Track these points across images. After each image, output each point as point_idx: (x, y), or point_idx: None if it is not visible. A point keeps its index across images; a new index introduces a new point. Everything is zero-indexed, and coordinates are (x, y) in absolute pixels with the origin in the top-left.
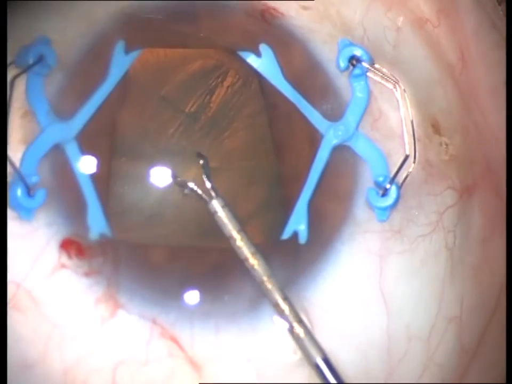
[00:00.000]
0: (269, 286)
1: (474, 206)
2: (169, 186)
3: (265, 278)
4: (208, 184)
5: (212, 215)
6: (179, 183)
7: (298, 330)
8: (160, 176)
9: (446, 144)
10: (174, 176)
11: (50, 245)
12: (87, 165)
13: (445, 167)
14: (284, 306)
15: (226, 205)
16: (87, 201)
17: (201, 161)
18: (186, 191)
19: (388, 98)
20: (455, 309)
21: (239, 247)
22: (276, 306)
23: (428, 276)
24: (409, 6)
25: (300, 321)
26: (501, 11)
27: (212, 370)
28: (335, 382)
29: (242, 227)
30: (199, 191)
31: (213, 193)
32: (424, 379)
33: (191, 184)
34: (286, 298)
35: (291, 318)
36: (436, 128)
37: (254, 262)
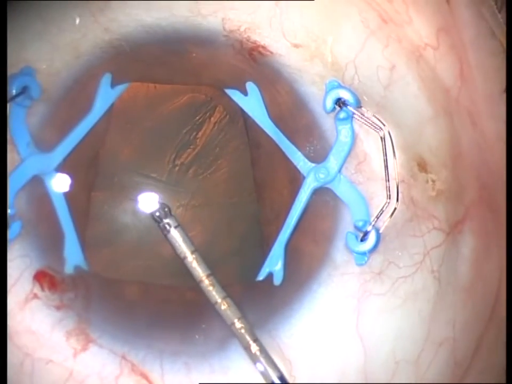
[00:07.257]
0: (239, 327)
1: (465, 236)
2: (148, 222)
3: (235, 320)
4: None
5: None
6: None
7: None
8: (140, 211)
9: (433, 181)
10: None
11: (24, 276)
12: (66, 197)
13: (431, 204)
14: (255, 348)
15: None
16: (64, 234)
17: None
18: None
19: (374, 141)
20: (446, 331)
21: (209, 291)
22: (247, 348)
23: (411, 312)
24: (408, 33)
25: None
26: (501, 18)
27: None
28: None
29: (213, 271)
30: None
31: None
32: None
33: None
34: (256, 340)
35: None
36: (422, 166)
37: (224, 305)
